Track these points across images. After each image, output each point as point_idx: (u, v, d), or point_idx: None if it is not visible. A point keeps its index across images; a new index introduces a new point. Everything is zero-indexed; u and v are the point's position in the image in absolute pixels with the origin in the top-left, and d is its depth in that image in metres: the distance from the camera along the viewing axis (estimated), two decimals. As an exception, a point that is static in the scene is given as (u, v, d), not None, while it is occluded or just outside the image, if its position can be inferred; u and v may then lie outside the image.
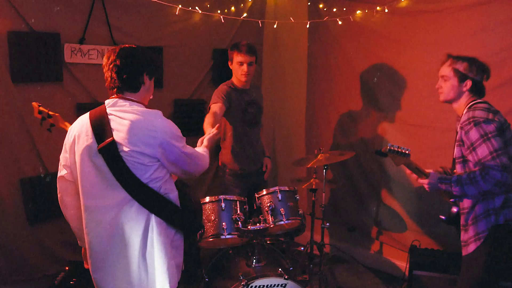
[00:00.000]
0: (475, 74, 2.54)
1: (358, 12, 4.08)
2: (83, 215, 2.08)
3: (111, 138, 1.98)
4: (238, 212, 2.84)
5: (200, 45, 4.36)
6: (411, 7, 3.75)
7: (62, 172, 2.19)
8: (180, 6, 3.01)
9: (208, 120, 3.09)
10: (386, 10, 3.88)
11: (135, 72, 2.08)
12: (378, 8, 3.95)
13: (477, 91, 2.58)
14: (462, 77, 2.55)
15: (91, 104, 3.70)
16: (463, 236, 2.54)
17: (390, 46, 3.95)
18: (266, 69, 5.05)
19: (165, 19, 4.03)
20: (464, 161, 2.51)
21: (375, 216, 4.23)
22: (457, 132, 2.55)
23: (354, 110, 4.30)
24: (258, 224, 2.83)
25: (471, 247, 2.47)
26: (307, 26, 4.11)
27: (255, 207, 3.08)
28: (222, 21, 3.15)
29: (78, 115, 3.64)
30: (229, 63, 3.59)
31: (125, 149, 1.97)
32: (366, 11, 4.03)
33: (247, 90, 3.60)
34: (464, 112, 2.52)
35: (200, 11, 3.13)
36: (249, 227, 2.78)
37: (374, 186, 4.21)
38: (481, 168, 2.31)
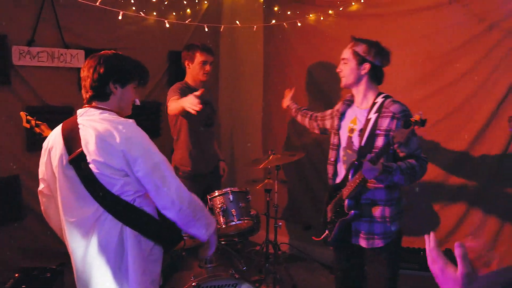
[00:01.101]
0: (373, 57, 2.50)
1: (311, 16, 4.17)
2: (63, 229, 2.03)
3: (80, 149, 1.92)
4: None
5: (155, 47, 4.35)
6: (361, 11, 3.87)
7: (40, 186, 2.14)
8: (122, 12, 2.95)
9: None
10: (330, 12, 3.98)
11: (100, 81, 1.99)
12: (330, 11, 4.04)
13: (376, 76, 2.56)
14: (360, 60, 2.51)
15: (41, 107, 3.65)
16: (376, 229, 2.51)
17: (340, 48, 4.03)
18: (223, 71, 5.08)
19: (118, 21, 3.99)
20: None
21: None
22: (375, 121, 2.47)
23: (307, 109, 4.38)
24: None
25: (379, 243, 2.51)
26: (254, 29, 4.15)
27: (207, 207, 3.11)
28: (167, 25, 3.15)
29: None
30: (186, 63, 3.61)
31: (92, 160, 1.90)
32: (318, 13, 4.12)
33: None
34: (383, 102, 2.49)
35: (143, 15, 3.09)
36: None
37: (327, 185, 4.29)
38: (417, 160, 2.39)
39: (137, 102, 2.14)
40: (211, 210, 3.03)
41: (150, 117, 4.35)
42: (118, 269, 1.97)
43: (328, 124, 2.94)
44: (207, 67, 3.57)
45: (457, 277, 0.96)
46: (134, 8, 4.03)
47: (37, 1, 3.54)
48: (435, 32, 3.49)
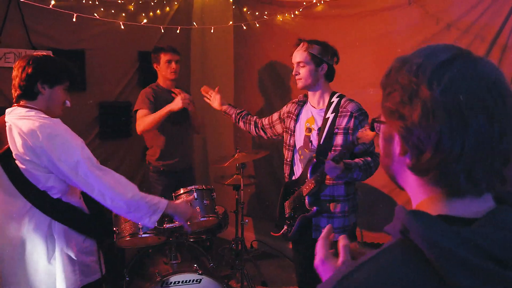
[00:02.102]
0: (329, 58, 2.59)
1: (278, 16, 4.25)
2: None
3: (6, 146, 2.00)
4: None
5: (125, 47, 4.37)
6: (326, 12, 3.96)
7: None
8: (76, 14, 3.02)
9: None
10: (296, 13, 4.07)
11: (28, 80, 2.05)
12: (296, 12, 4.13)
13: (329, 75, 2.64)
14: (318, 61, 2.57)
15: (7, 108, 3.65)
16: (335, 223, 2.58)
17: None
18: (194, 72, 5.12)
19: (87, 21, 4.01)
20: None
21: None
22: (333, 120, 2.53)
23: (276, 109, 4.43)
24: (174, 222, 2.89)
25: (337, 236, 2.61)
26: (211, 31, 4.23)
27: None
28: (122, 27, 3.21)
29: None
30: (155, 66, 3.74)
31: (17, 156, 1.98)
32: (286, 14, 4.20)
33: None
34: (339, 101, 2.56)
35: (98, 17, 3.15)
36: (164, 225, 2.84)
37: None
38: (371, 156, 2.49)
39: (68, 104, 2.19)
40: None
41: (120, 117, 4.37)
42: (48, 263, 2.04)
43: (279, 128, 2.96)
44: (173, 65, 3.68)
45: (337, 266, 1.01)
46: (102, 9, 4.06)
47: (3, 1, 3.54)
48: (395, 31, 3.59)
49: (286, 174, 2.81)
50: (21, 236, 2.02)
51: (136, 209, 2.04)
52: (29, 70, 2.04)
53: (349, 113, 2.53)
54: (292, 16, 4.17)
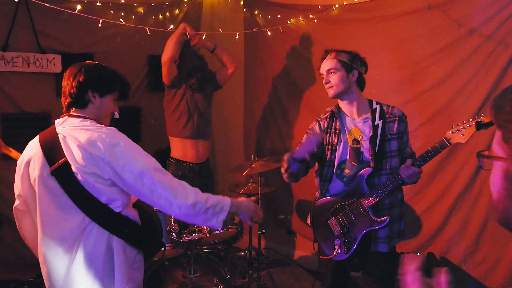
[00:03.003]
0: (358, 65, 2.55)
1: (291, 20, 4.15)
2: (39, 247, 1.94)
3: (63, 159, 1.87)
4: (173, 223, 2.81)
5: (134, 51, 4.26)
6: (341, 16, 3.86)
7: (16, 202, 2.07)
8: (101, 19, 2.86)
9: None
10: (311, 16, 3.97)
11: (79, 88, 1.97)
12: (310, 15, 4.03)
13: (361, 83, 2.59)
14: (348, 68, 2.52)
15: (17, 114, 3.54)
16: (394, 229, 2.55)
17: (321, 53, 4.04)
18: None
19: (96, 25, 3.89)
20: (400, 153, 2.52)
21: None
22: (383, 127, 2.49)
23: (290, 115, 4.37)
24: (193, 235, 2.81)
25: (396, 241, 2.59)
26: (236, 36, 4.11)
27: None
28: (148, 33, 3.08)
29: (4, 126, 3.50)
30: None
31: (77, 169, 1.85)
32: (300, 18, 4.11)
33: None
34: (381, 107, 2.54)
35: (124, 23, 3.00)
36: (183, 238, 2.75)
37: (310, 188, 4.29)
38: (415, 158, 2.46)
39: (116, 115, 2.11)
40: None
41: (130, 123, 4.26)
42: (105, 279, 1.92)
43: (319, 149, 2.63)
44: None
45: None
46: (112, 12, 3.95)
47: (11, 4, 3.43)
48: (415, 36, 3.52)
49: (323, 191, 2.64)
50: (77, 254, 1.90)
51: (204, 212, 1.93)
52: (81, 78, 1.97)
53: (397, 118, 2.53)
54: (305, 20, 4.07)
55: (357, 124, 2.56)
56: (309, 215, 2.72)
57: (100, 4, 3.86)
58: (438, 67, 3.44)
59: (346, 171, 2.55)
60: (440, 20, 3.38)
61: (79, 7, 3.15)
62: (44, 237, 1.92)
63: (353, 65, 2.53)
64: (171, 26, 3.22)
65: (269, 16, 4.36)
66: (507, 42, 3.17)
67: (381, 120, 2.51)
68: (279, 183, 4.46)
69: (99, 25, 2.78)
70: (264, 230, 3.44)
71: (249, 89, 4.75)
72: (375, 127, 2.50)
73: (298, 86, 4.27)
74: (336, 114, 2.62)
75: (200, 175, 3.76)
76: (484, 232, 3.33)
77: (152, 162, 1.94)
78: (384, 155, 2.48)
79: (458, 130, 2.24)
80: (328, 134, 2.61)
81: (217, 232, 2.89)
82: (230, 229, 2.93)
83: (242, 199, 2.16)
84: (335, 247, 2.54)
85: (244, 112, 4.81)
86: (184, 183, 1.95)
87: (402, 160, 2.51)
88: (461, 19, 3.32)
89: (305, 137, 2.69)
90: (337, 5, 3.85)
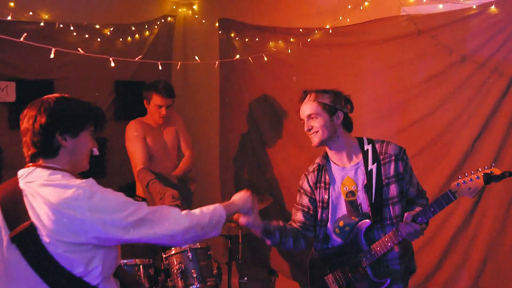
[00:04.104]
0: (342, 105, 2.24)
1: (272, 45, 3.89)
2: None
3: (28, 222, 1.52)
4: (142, 278, 2.46)
5: (99, 76, 3.89)
6: (325, 40, 3.63)
7: None
8: (54, 48, 2.45)
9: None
10: (292, 41, 3.72)
11: (44, 134, 1.60)
12: (291, 39, 3.78)
13: (347, 125, 2.28)
14: (332, 110, 2.21)
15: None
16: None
17: (306, 79, 3.81)
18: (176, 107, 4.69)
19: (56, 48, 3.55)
20: (403, 197, 2.24)
21: (294, 257, 4.01)
22: (378, 170, 2.21)
23: (271, 147, 4.09)
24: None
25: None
26: (215, 65, 3.83)
27: (162, 267, 2.71)
28: (112, 65, 2.74)
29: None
30: (145, 102, 3.45)
31: (46, 235, 1.50)
32: (280, 42, 3.85)
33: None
34: (373, 147, 2.25)
35: (82, 52, 2.63)
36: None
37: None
38: (424, 197, 2.29)
39: (95, 152, 1.76)
40: (167, 270, 2.63)
41: (94, 156, 3.87)
42: None
43: (311, 208, 2.36)
44: (163, 111, 3.37)
45: None
46: (74, 34, 3.60)
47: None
48: (404, 62, 3.33)
49: (319, 247, 2.37)
50: None
51: (202, 228, 1.74)
52: (43, 120, 1.59)
53: (393, 158, 2.21)
54: (285, 44, 3.82)
55: (349, 173, 2.26)
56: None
57: (61, 26, 3.51)
58: (429, 95, 3.24)
59: (346, 228, 2.25)
60: (430, 46, 3.20)
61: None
62: None
63: (337, 106, 2.22)
64: (140, 56, 2.83)
65: (247, 39, 4.10)
66: (501, 70, 2.99)
67: (375, 164, 2.21)
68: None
69: (51, 55, 2.38)
70: (245, 279, 3.09)
71: (225, 118, 4.45)
72: (368, 173, 2.21)
73: (278, 114, 4.00)
74: (324, 166, 2.31)
75: None
76: (484, 271, 3.09)
77: (139, 205, 1.63)
78: (382, 203, 2.19)
79: (464, 182, 1.97)
80: (318, 190, 2.32)
81: (193, 287, 2.54)
82: (209, 284, 2.59)
83: (236, 197, 2.00)
84: None
85: (220, 142, 4.49)
86: (173, 209, 1.73)
87: (408, 202, 2.24)
88: (452, 45, 3.13)
89: (298, 196, 2.41)
90: (318, 30, 3.61)
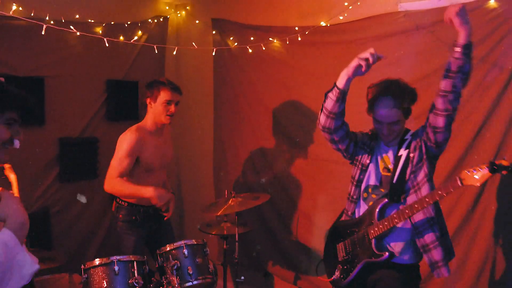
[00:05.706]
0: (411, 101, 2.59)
1: (264, 42, 3.84)
2: None
3: None
4: (136, 275, 2.35)
5: (91, 75, 3.84)
6: (324, 38, 3.59)
7: None
8: (45, 25, 2.40)
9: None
10: (287, 43, 3.68)
11: None
12: (287, 38, 3.73)
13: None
14: (408, 112, 2.57)
15: None
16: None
17: (298, 78, 3.76)
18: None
19: (47, 45, 3.46)
20: (431, 174, 2.46)
21: (291, 260, 3.90)
22: (407, 157, 2.43)
23: (265, 147, 4.01)
24: (160, 288, 2.35)
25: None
26: (213, 53, 3.74)
27: (157, 265, 2.60)
28: (107, 44, 2.66)
29: None
30: (148, 102, 3.14)
31: None
32: (275, 40, 3.80)
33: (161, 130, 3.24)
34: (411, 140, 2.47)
35: (78, 33, 2.55)
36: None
37: (289, 228, 3.91)
38: None
39: (16, 145, 1.51)
40: (162, 268, 2.52)
41: (85, 156, 3.78)
42: None
43: (353, 138, 2.58)
44: (172, 108, 3.10)
45: None
46: (67, 30, 3.51)
47: None
48: (402, 59, 3.27)
49: (349, 212, 2.57)
50: None
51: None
52: None
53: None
54: (281, 42, 3.77)
55: (388, 153, 2.50)
56: None
57: (52, 22, 3.42)
58: (429, 90, 3.17)
59: (373, 195, 2.47)
60: (429, 41, 3.16)
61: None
62: None
63: (410, 105, 2.51)
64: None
65: (241, 39, 4.03)
66: (501, 65, 2.96)
67: (407, 150, 2.43)
68: (254, 222, 4.06)
69: (42, 32, 2.30)
70: (242, 278, 2.99)
71: (218, 118, 4.38)
72: (396, 157, 2.44)
73: (274, 115, 3.94)
74: (374, 136, 2.56)
75: (156, 220, 3.18)
76: (483, 273, 3.04)
77: None
78: (404, 187, 2.37)
79: (474, 170, 2.09)
80: (362, 151, 2.54)
81: (190, 284, 2.43)
82: (205, 280, 2.48)
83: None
84: (336, 272, 2.52)
85: (214, 144, 4.41)
86: None
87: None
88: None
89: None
90: (314, 28, 3.57)
